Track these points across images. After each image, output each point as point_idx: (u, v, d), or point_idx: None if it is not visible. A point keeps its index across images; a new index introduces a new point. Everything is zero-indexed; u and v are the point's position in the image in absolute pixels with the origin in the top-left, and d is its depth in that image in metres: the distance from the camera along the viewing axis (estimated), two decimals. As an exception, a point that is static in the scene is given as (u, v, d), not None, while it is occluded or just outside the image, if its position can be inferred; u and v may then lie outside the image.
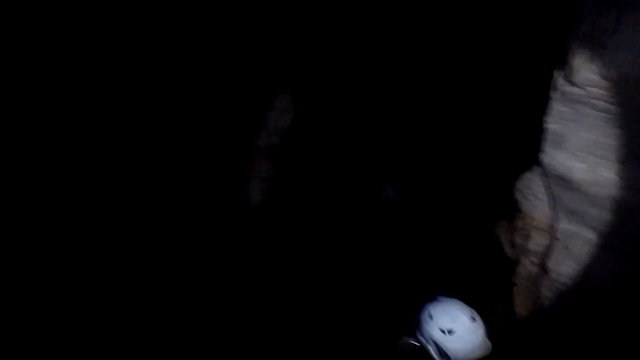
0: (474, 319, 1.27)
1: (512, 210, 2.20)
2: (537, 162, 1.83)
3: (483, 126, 3.23)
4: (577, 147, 1.52)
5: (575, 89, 1.39)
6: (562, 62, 1.46)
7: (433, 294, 1.37)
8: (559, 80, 1.48)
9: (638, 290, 1.51)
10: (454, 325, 1.25)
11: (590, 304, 1.74)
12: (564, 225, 1.78)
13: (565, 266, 1.84)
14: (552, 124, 1.55)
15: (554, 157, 1.62)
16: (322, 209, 3.41)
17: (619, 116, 1.31)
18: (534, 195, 1.91)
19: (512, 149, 2.50)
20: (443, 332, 1.25)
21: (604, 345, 1.65)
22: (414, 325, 1.35)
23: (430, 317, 1.29)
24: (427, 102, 3.47)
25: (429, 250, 3.07)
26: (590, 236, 1.69)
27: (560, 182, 1.67)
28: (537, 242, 1.98)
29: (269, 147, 3.17)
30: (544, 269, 2.00)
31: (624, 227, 1.53)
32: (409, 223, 3.29)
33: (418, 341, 1.35)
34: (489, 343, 1.30)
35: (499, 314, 2.36)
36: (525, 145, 2.00)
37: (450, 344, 1.25)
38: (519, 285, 2.24)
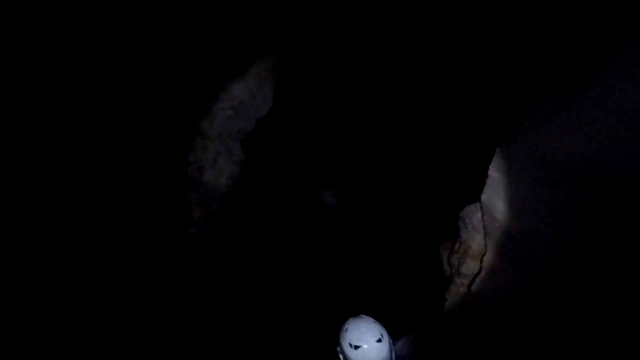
0: (380, 340, 1.45)
1: (454, 233, 2.42)
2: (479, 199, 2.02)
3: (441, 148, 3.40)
4: (509, 194, 1.71)
5: (514, 152, 1.56)
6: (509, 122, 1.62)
7: (359, 311, 1.56)
8: (503, 139, 1.65)
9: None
10: (360, 342, 1.45)
11: (499, 319, 1.99)
12: (488, 257, 2.00)
13: (486, 291, 2.09)
14: (492, 172, 1.72)
15: (490, 198, 1.81)
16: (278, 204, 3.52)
17: (544, 182, 1.49)
18: (472, 226, 2.11)
19: (461, 178, 2.70)
20: (350, 346, 1.45)
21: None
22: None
23: (346, 330, 1.49)
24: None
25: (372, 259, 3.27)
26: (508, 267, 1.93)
27: (492, 220, 1.87)
28: (468, 267, 2.21)
29: (245, 132, 3.20)
30: (469, 290, 2.24)
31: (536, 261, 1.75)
32: (359, 230, 3.46)
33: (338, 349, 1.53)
34: (394, 356, 1.50)
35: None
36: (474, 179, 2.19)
37: (355, 356, 1.44)
38: (448, 300, 2.49)
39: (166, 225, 2.81)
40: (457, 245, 2.35)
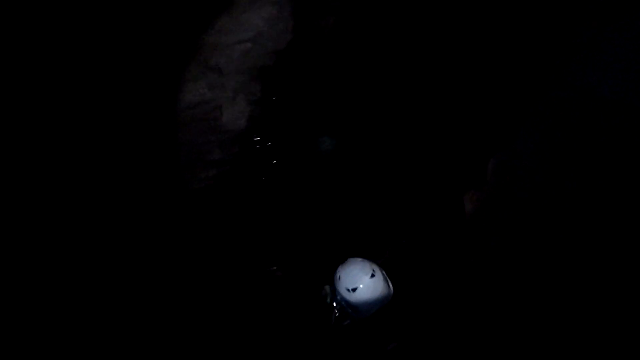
0: (373, 275, 1.47)
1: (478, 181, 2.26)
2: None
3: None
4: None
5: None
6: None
7: (344, 256, 1.56)
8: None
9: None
10: (355, 284, 1.46)
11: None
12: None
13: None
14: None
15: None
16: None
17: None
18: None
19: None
20: (348, 290, 1.47)
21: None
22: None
23: (338, 278, 1.50)
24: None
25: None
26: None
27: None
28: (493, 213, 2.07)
29: (265, 69, 3.02)
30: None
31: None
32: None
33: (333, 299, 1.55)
34: (390, 291, 1.52)
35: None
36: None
37: (355, 299, 1.47)
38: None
39: (181, 170, 2.76)
40: (482, 193, 2.21)
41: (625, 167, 1.31)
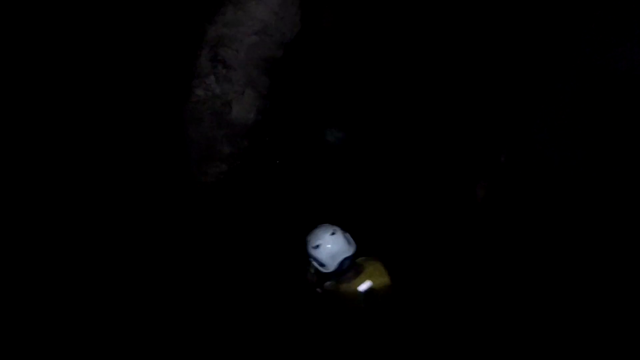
0: (333, 233, 1.78)
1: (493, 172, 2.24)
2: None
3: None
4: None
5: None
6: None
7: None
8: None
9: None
10: (317, 241, 1.77)
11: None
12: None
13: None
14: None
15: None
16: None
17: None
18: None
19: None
20: (313, 248, 1.77)
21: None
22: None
23: (307, 241, 1.81)
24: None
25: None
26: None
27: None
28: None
29: (272, 61, 3.00)
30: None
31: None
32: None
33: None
34: (351, 247, 1.80)
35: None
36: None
37: (319, 254, 1.76)
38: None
39: (189, 165, 2.76)
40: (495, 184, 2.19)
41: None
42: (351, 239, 1.84)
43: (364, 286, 1.73)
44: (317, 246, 1.77)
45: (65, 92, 2.13)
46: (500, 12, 2.61)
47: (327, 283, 1.84)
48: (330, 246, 1.76)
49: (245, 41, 2.69)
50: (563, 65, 1.47)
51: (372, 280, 1.75)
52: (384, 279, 1.78)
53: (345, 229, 1.88)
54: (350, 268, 1.78)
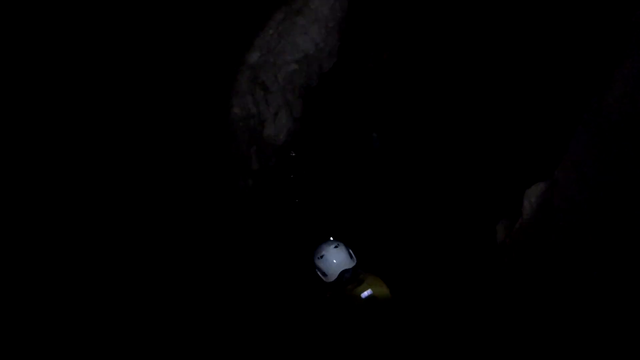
0: (336, 247, 1.93)
1: (514, 211, 2.26)
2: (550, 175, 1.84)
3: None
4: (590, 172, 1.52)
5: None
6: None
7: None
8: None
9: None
10: (321, 252, 1.92)
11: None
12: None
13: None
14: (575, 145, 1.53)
15: (566, 176, 1.63)
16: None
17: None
18: (537, 205, 1.94)
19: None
20: (318, 258, 1.92)
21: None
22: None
23: (314, 253, 1.94)
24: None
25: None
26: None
27: (564, 200, 1.70)
28: (526, 248, 2.07)
29: (308, 88, 3.20)
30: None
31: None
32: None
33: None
34: (352, 260, 1.92)
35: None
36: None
37: (322, 264, 1.90)
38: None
39: (225, 176, 2.93)
40: (517, 224, 2.21)
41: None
42: (353, 254, 1.98)
43: (365, 293, 1.86)
44: (322, 257, 1.92)
45: (124, 102, 2.34)
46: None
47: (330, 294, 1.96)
48: (332, 257, 1.91)
49: (285, 68, 2.90)
50: (589, 111, 1.50)
51: (372, 289, 1.87)
52: (384, 289, 1.90)
53: (350, 245, 2.03)
54: (351, 280, 1.92)
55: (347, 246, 1.97)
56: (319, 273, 1.94)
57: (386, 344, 1.84)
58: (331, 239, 2.04)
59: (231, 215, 2.91)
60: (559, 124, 2.08)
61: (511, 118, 3.06)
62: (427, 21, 3.28)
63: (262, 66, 2.89)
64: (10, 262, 1.84)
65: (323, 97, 3.46)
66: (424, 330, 2.33)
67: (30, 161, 1.99)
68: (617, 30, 1.62)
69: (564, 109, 2.28)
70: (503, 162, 2.92)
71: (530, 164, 2.30)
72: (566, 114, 1.99)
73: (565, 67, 2.73)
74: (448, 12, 3.23)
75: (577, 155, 1.57)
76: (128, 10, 2.25)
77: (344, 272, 1.88)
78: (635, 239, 1.46)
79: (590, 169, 1.48)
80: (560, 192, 1.69)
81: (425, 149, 3.47)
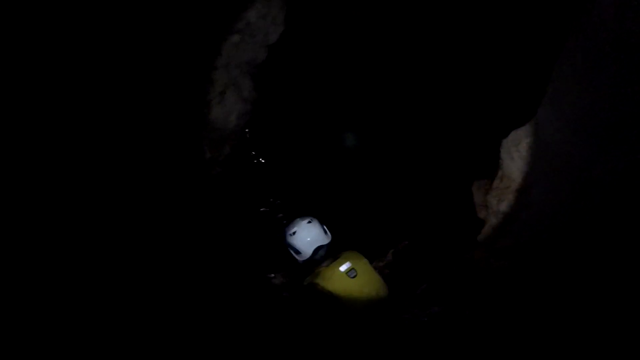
0: (309, 222, 1.78)
1: (490, 170, 2.11)
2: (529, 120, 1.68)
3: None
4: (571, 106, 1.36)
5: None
6: None
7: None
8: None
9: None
10: (293, 228, 1.78)
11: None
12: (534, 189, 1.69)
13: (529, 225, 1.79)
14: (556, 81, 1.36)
15: (545, 115, 1.46)
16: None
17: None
18: (519, 154, 1.78)
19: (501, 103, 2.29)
20: (290, 235, 1.78)
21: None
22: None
23: (285, 231, 1.81)
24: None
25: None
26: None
27: (543, 144, 1.54)
28: (509, 204, 1.92)
29: (255, 64, 2.87)
30: (504, 229, 1.96)
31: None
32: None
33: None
34: (326, 236, 1.79)
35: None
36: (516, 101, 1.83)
37: (295, 241, 1.77)
38: (481, 244, 2.24)
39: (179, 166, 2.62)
40: (497, 182, 2.05)
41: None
42: (327, 230, 1.85)
43: (344, 266, 1.70)
44: (294, 233, 1.78)
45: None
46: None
47: (306, 279, 1.76)
48: (305, 233, 1.77)
49: (227, 40, 2.56)
50: (571, 40, 1.33)
51: (350, 262, 1.72)
52: (363, 261, 1.77)
53: (325, 223, 1.87)
54: (326, 257, 1.77)
55: (321, 223, 1.83)
56: (291, 252, 1.81)
57: (374, 328, 1.64)
58: (304, 217, 1.84)
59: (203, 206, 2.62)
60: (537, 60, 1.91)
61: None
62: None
63: (200, 41, 2.52)
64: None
65: (275, 77, 3.16)
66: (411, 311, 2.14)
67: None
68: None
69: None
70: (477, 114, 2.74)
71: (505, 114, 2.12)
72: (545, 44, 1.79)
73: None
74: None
75: (558, 90, 1.40)
76: None
77: (318, 249, 1.75)
78: (624, 179, 1.32)
79: (575, 101, 1.32)
80: (541, 136, 1.53)
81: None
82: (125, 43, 2.13)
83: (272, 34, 2.73)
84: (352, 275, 1.65)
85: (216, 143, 2.92)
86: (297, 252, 1.78)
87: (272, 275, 2.82)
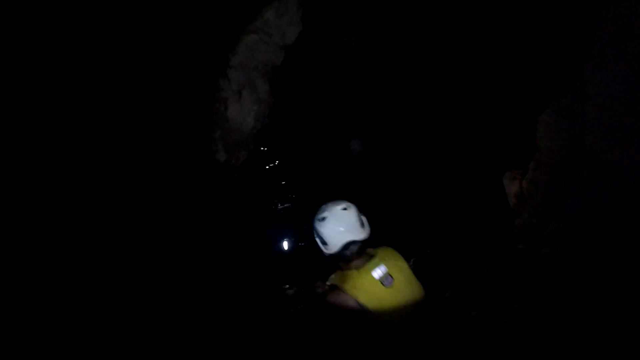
0: (345, 209, 1.44)
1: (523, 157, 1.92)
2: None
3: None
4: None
5: None
6: None
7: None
8: None
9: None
10: (325, 213, 1.44)
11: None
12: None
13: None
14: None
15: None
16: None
17: None
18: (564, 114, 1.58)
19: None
20: (319, 220, 1.44)
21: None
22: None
23: (315, 214, 1.48)
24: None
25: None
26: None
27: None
28: (546, 183, 1.71)
29: (272, 66, 2.88)
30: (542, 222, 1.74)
31: None
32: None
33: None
34: (365, 229, 1.44)
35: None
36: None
37: (323, 228, 1.43)
38: (519, 239, 2.01)
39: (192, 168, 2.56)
40: (531, 164, 1.86)
41: None
42: (365, 222, 1.48)
43: (378, 271, 1.36)
44: (324, 218, 1.44)
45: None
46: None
47: (326, 282, 1.47)
48: (338, 222, 1.42)
49: (244, 39, 2.58)
50: None
51: (386, 264, 1.39)
52: (400, 261, 1.44)
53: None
54: (357, 256, 1.43)
55: (360, 212, 1.47)
56: (317, 240, 1.47)
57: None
58: (339, 200, 1.49)
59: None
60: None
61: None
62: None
63: (218, 38, 2.56)
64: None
65: (292, 81, 3.16)
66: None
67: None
68: None
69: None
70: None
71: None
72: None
73: None
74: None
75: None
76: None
77: (349, 244, 1.40)
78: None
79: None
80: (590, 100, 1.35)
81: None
82: (143, 38, 2.18)
83: (289, 34, 2.74)
84: (388, 284, 1.34)
85: (232, 147, 2.87)
86: (324, 242, 1.44)
87: (287, 286, 2.66)
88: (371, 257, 1.44)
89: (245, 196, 3.09)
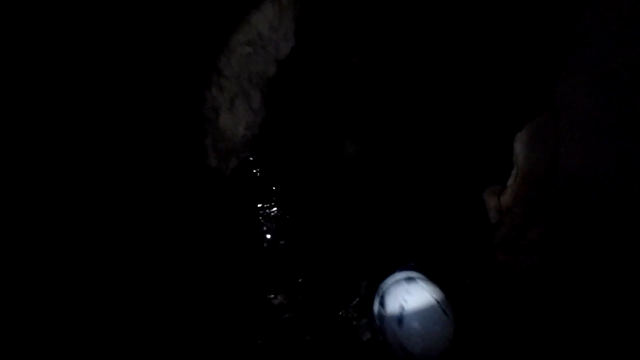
0: (431, 306, 0.98)
1: (501, 173, 2.03)
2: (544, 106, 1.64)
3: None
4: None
5: None
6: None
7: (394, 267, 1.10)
8: None
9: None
10: (401, 308, 0.99)
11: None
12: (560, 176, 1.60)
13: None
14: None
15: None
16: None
17: None
18: (539, 138, 1.71)
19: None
20: (395, 320, 0.98)
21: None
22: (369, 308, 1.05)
23: (382, 304, 0.97)
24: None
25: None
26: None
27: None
28: (528, 196, 1.81)
29: (265, 77, 2.95)
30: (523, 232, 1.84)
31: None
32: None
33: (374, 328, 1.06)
34: (450, 328, 1.06)
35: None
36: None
37: (403, 336, 0.96)
38: (498, 251, 2.10)
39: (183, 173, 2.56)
40: (510, 180, 1.97)
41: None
42: (448, 310, 1.09)
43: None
44: (400, 320, 1.01)
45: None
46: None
47: None
48: (422, 323, 1.02)
49: (239, 51, 2.65)
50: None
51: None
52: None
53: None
54: None
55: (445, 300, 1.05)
56: (374, 325, 1.05)
57: None
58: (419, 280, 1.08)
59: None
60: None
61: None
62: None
63: (214, 48, 2.62)
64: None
65: (284, 92, 3.23)
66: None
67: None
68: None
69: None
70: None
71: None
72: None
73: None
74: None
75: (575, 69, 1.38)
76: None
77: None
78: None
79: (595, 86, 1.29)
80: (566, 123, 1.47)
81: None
82: (138, 42, 2.21)
83: (282, 48, 2.83)
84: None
85: (223, 153, 2.91)
86: (404, 349, 0.98)
87: (272, 295, 2.66)
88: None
89: (235, 201, 3.10)
